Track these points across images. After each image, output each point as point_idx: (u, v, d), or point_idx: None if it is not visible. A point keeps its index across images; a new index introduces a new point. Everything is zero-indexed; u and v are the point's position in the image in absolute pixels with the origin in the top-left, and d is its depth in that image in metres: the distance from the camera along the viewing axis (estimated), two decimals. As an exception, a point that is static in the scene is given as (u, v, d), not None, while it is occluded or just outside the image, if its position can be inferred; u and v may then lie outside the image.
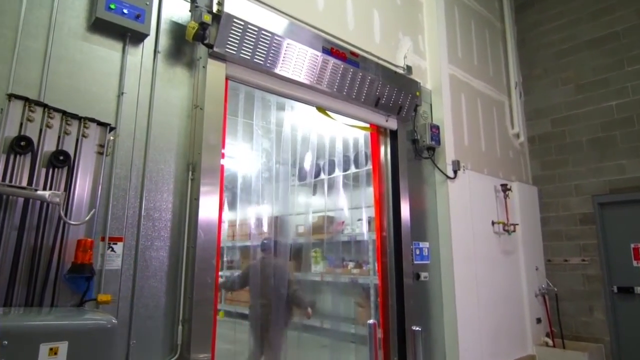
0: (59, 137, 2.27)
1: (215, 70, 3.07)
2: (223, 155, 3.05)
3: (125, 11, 2.63)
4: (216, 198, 2.89)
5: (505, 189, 5.57)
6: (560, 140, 6.39)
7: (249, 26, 3.13)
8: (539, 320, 5.74)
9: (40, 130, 2.21)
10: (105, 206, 2.47)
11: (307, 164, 4.73)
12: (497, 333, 4.98)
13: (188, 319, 2.65)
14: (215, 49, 3.01)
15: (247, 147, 4.22)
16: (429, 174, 4.81)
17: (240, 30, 3.10)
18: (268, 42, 3.26)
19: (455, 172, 4.79)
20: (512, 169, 6.12)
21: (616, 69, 5.95)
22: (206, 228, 2.81)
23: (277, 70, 3.40)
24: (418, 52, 5.06)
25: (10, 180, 2.05)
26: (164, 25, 2.93)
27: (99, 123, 2.44)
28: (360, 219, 5.01)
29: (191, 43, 3.00)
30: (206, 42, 2.97)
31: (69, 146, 2.30)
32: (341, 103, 4.03)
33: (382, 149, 4.58)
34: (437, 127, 4.77)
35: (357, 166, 5.00)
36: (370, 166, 4.68)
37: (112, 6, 2.58)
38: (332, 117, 4.18)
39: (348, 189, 5.16)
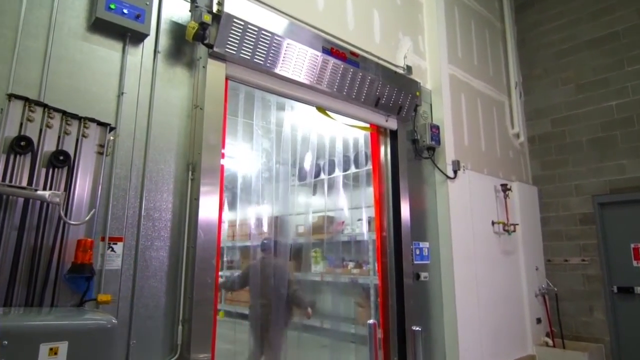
0: (59, 137, 2.27)
1: (215, 70, 3.07)
2: (223, 155, 3.05)
3: (125, 11, 2.63)
4: (216, 198, 2.89)
5: (505, 189, 5.57)
6: (561, 140, 6.39)
7: (249, 26, 3.13)
8: (539, 320, 5.73)
9: (40, 130, 2.21)
10: (106, 206, 2.47)
11: (307, 164, 4.73)
12: (497, 333, 4.98)
13: (188, 319, 2.65)
14: (215, 49, 3.01)
15: (247, 147, 4.22)
16: (429, 174, 4.81)
17: (240, 30, 3.10)
18: (268, 42, 3.26)
19: (455, 172, 4.79)
20: (512, 169, 6.11)
21: (616, 69, 5.95)
22: (206, 228, 2.81)
23: (277, 70, 3.40)
24: (418, 52, 5.06)
25: (10, 180, 2.05)
26: (164, 25, 2.93)
27: (99, 123, 2.44)
28: (360, 219, 5.00)
29: (191, 43, 3.00)
30: (206, 42, 2.97)
31: (69, 146, 2.30)
32: (341, 103, 4.03)
33: (382, 149, 4.58)
34: (437, 127, 4.77)
35: (357, 166, 5.00)
36: (370, 166, 4.67)
37: (112, 6, 2.58)
38: (332, 117, 4.18)
39: (348, 189, 5.16)
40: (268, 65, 3.33)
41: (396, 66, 4.64)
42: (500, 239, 5.42)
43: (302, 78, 3.57)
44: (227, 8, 3.01)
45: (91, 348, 1.71)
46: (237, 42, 3.10)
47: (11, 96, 2.15)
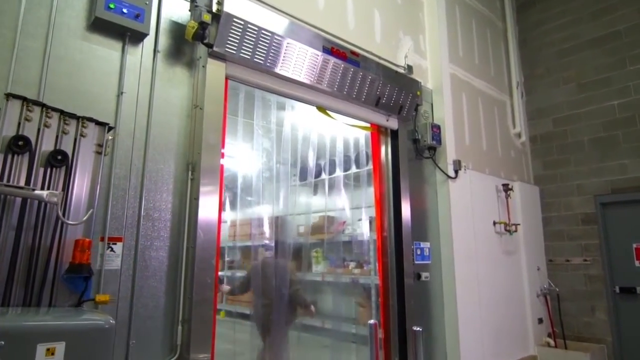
0: (57, 136, 2.26)
1: (215, 70, 3.06)
2: (223, 155, 3.04)
3: (124, 10, 2.62)
4: (216, 198, 2.89)
5: (506, 188, 5.55)
6: (562, 140, 6.37)
7: (249, 26, 3.13)
8: (540, 321, 5.72)
9: (38, 129, 2.20)
10: (105, 206, 2.46)
11: (308, 164, 4.72)
12: (499, 333, 4.97)
13: (188, 319, 2.65)
14: (215, 49, 3.00)
15: (248, 146, 4.21)
16: (430, 174, 4.80)
17: (240, 30, 3.09)
18: (268, 41, 3.26)
19: (456, 171, 4.78)
20: (513, 169, 6.10)
21: (618, 68, 5.93)
22: (206, 228, 2.80)
23: (277, 70, 3.39)
24: (419, 51, 5.05)
25: (8, 180, 2.05)
26: (163, 25, 2.92)
27: (98, 122, 2.43)
28: (361, 219, 4.99)
29: (191, 43, 2.99)
30: (206, 41, 2.96)
31: (67, 146, 2.29)
32: (341, 102, 4.02)
33: (383, 148, 4.57)
34: (438, 127, 4.76)
35: (357, 166, 4.99)
36: (371, 166, 4.66)
37: (112, 6, 2.58)
38: (332, 117, 4.17)
39: (349, 189, 5.15)
40: (268, 64, 3.32)
41: (397, 66, 4.63)
42: (501, 239, 5.40)
43: (303, 77, 3.56)
44: (227, 7, 3.00)
45: (88, 348, 1.70)
46: (237, 41, 3.09)
47: (9, 95, 2.14)
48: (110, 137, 2.49)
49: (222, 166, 3.00)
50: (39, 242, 2.12)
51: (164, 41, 2.91)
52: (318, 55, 3.60)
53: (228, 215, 5.14)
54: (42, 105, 2.24)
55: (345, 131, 4.76)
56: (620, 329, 5.58)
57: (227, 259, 6.13)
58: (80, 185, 2.32)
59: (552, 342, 5.62)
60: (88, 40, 2.57)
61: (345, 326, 4.67)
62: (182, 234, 2.77)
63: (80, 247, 2.16)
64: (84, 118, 2.37)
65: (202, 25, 2.88)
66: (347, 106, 4.07)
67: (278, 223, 4.39)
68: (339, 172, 5.02)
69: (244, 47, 3.14)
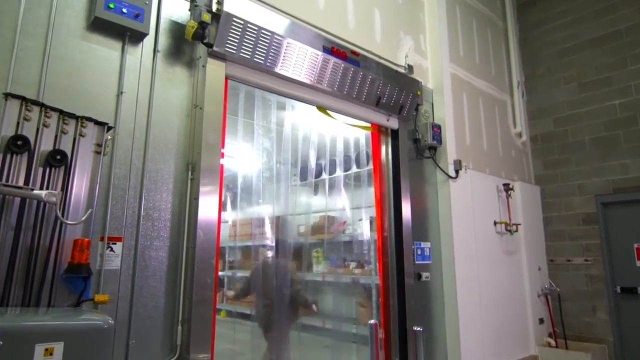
0: (56, 136, 2.26)
1: (214, 70, 3.06)
2: (223, 155, 3.04)
3: (124, 10, 2.62)
4: (216, 198, 2.88)
5: (507, 188, 5.55)
6: (563, 140, 6.36)
7: (249, 25, 3.12)
8: (541, 321, 5.71)
9: (37, 129, 2.20)
10: (104, 206, 2.46)
11: (309, 164, 4.72)
12: (499, 333, 4.96)
13: (187, 319, 2.64)
14: (214, 48, 3.00)
15: (248, 146, 4.21)
16: (431, 174, 4.80)
17: (240, 30, 3.09)
18: (268, 41, 3.25)
19: (456, 171, 4.77)
20: (514, 169, 6.09)
21: (619, 68, 5.92)
22: (206, 228, 2.80)
23: (277, 70, 3.39)
24: (419, 51, 5.04)
25: (7, 180, 2.04)
26: (163, 25, 2.92)
27: (97, 122, 2.43)
28: (361, 219, 4.99)
29: (191, 42, 2.99)
30: (206, 41, 2.96)
31: (66, 145, 2.28)
32: (342, 102, 4.01)
33: (383, 148, 4.57)
34: (439, 127, 4.75)
35: (358, 166, 4.99)
36: (371, 166, 4.66)
37: (111, 5, 2.57)
38: (332, 117, 4.17)
39: (349, 189, 5.14)
40: (268, 64, 3.31)
41: (397, 65, 4.63)
42: (502, 238, 5.39)
43: (303, 77, 3.56)
44: (227, 7, 3.00)
45: (87, 348, 1.70)
46: (237, 41, 3.09)
47: (8, 95, 2.14)
48: (109, 137, 2.49)
49: (222, 166, 3.00)
50: (37, 242, 2.12)
51: (163, 41, 2.90)
52: (318, 55, 3.59)
53: (228, 215, 5.14)
54: (41, 105, 2.24)
55: (345, 131, 4.76)
56: (621, 329, 5.57)
57: (227, 259, 6.12)
58: (79, 185, 2.32)
59: (553, 342, 5.61)
60: (88, 40, 2.56)
61: (345, 326, 4.67)
62: (182, 233, 2.76)
63: (79, 247, 2.16)
64: (83, 118, 2.37)
65: (202, 25, 2.88)
66: (347, 106, 4.06)
67: (278, 223, 4.39)
68: (339, 172, 5.02)
69: (243, 47, 3.13)
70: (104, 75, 2.59)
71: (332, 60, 3.70)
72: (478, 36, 5.89)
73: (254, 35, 3.16)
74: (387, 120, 4.43)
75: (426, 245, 4.53)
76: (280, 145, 4.26)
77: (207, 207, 2.83)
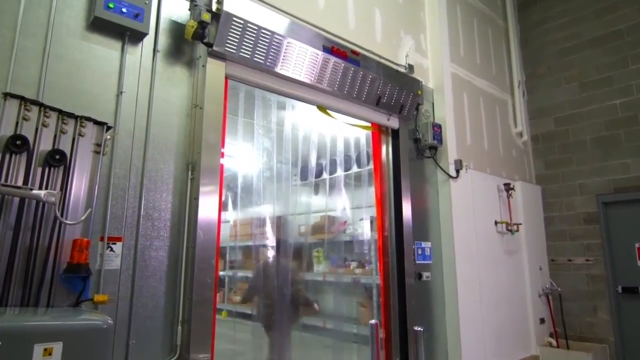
0: (55, 136, 2.26)
1: (214, 69, 3.05)
2: (223, 155, 3.03)
3: (124, 10, 2.62)
4: (216, 198, 2.88)
5: (508, 188, 5.54)
6: (564, 139, 6.35)
7: (249, 25, 3.12)
8: (542, 321, 5.70)
9: (36, 129, 2.20)
10: (104, 206, 2.45)
11: (309, 164, 4.71)
12: (500, 333, 4.95)
13: (187, 319, 2.64)
14: (214, 48, 2.99)
15: (248, 146, 4.20)
16: (431, 174, 4.79)
17: (240, 29, 3.08)
18: (268, 40, 3.25)
19: (457, 171, 4.77)
20: (515, 168, 6.08)
21: (620, 67, 5.91)
22: (206, 228, 2.79)
23: (278, 69, 3.38)
24: (420, 50, 5.03)
25: (6, 180, 2.04)
26: (163, 24, 2.91)
27: (96, 122, 2.42)
28: (362, 219, 4.98)
29: (190, 42, 2.98)
30: (205, 41, 2.95)
31: (65, 145, 2.28)
32: (342, 102, 4.01)
33: (384, 148, 4.56)
34: (439, 126, 4.75)
35: (359, 165, 4.98)
36: (372, 166, 4.65)
37: (111, 5, 2.57)
38: (333, 116, 4.16)
39: (350, 189, 5.13)
40: (268, 64, 3.31)
41: (398, 65, 4.62)
42: (503, 238, 5.39)
43: (303, 77, 3.55)
44: (227, 7, 2.99)
45: (86, 348, 1.70)
46: (237, 41, 3.08)
47: (7, 95, 2.14)
48: (108, 137, 2.49)
49: (222, 166, 3.00)
50: (36, 242, 2.11)
51: (163, 41, 2.90)
52: (318, 55, 3.59)
53: (229, 215, 5.13)
54: (40, 105, 2.24)
55: (346, 131, 4.75)
56: (622, 329, 5.56)
57: (228, 259, 6.12)
58: (79, 185, 2.31)
59: (554, 342, 5.61)
60: (87, 40, 2.56)
61: (346, 326, 4.66)
62: (182, 233, 2.76)
63: (78, 246, 2.15)
64: (82, 117, 2.37)
65: (202, 25, 2.87)
66: (347, 105, 4.06)
67: (279, 223, 4.38)
68: (339, 172, 5.01)
69: (243, 47, 3.13)
70: (104, 75, 2.59)
71: (332, 59, 3.69)
72: (479, 35, 5.89)
73: (254, 35, 3.16)
74: (388, 119, 4.42)
75: (427, 245, 4.52)
76: (281, 145, 4.25)
77: (207, 207, 2.82)
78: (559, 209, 6.28)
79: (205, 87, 2.96)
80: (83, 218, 2.26)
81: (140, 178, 2.64)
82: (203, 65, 3.02)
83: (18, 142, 2.10)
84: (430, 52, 5.14)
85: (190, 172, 2.85)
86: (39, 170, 2.18)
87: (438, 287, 4.53)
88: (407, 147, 4.55)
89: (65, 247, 2.19)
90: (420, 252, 4.41)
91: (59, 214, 2.15)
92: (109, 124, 2.49)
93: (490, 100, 5.83)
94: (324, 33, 3.87)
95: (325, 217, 5.04)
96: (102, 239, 2.42)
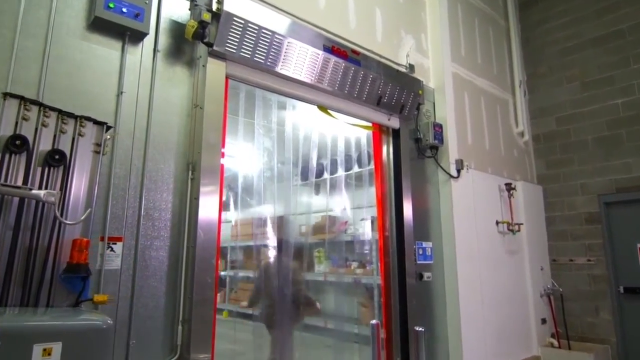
0: (54, 136, 2.25)
1: (215, 69, 3.05)
2: (223, 155, 3.03)
3: (124, 10, 2.61)
4: (216, 197, 2.88)
5: (509, 188, 5.53)
6: (566, 139, 6.34)
7: (249, 25, 3.12)
8: (544, 321, 5.69)
9: (36, 129, 2.20)
10: (105, 206, 2.45)
11: (310, 164, 4.71)
12: (502, 333, 4.94)
13: (188, 319, 2.64)
14: (215, 48, 2.99)
15: (249, 146, 4.20)
16: (432, 173, 4.78)
17: (240, 29, 3.08)
18: (268, 40, 3.24)
19: (458, 171, 4.76)
20: (516, 168, 6.07)
21: (622, 67, 5.89)
22: (206, 228, 2.79)
23: (278, 69, 3.38)
24: (421, 50, 5.03)
25: (5, 180, 2.04)
26: (163, 24, 2.91)
27: (96, 122, 2.42)
28: (363, 219, 4.97)
29: (191, 42, 2.98)
30: (206, 40, 2.95)
31: (64, 145, 2.28)
32: (343, 102, 4.00)
33: (385, 148, 4.56)
34: (440, 126, 4.74)
35: (359, 165, 4.97)
36: (372, 165, 4.65)
37: (111, 5, 2.57)
38: (333, 116, 4.16)
39: (351, 189, 5.13)
40: (269, 64, 3.31)
41: (398, 64, 4.61)
42: (504, 238, 5.38)
43: (303, 77, 3.55)
44: (227, 6, 2.99)
45: (86, 349, 1.69)
46: (237, 40, 3.08)
47: (6, 95, 2.14)
48: (108, 137, 2.49)
49: (222, 166, 3.00)
50: (36, 242, 2.11)
51: (163, 40, 2.90)
52: (319, 54, 3.59)
53: (230, 215, 5.13)
54: (40, 105, 2.24)
55: (346, 130, 4.75)
56: (624, 329, 5.55)
57: (229, 258, 6.12)
58: (78, 185, 2.31)
59: (555, 343, 5.59)
60: (88, 40, 2.56)
61: (347, 326, 4.66)
62: (182, 233, 2.76)
63: (78, 246, 2.15)
64: (82, 117, 2.37)
65: (202, 24, 2.87)
66: (348, 105, 4.05)
67: (280, 223, 4.38)
68: (340, 172, 5.00)
69: (244, 46, 3.13)
70: (104, 75, 2.59)
71: (333, 59, 3.69)
72: (480, 35, 5.88)
73: (255, 35, 3.16)
74: (389, 119, 4.42)
75: (428, 245, 4.52)
76: (281, 145, 4.25)
77: (208, 207, 2.82)
78: (560, 209, 6.27)
79: (205, 87, 2.96)
80: (83, 218, 2.26)
81: (141, 178, 2.64)
82: (203, 65, 3.01)
83: (18, 142, 2.09)
84: (431, 52, 5.13)
85: (190, 172, 2.84)
86: (39, 170, 2.18)
87: (439, 287, 4.52)
88: (408, 147, 4.55)
89: (65, 247, 2.19)
90: (421, 252, 4.41)
91: (58, 214, 2.15)
92: (108, 124, 2.49)
93: (491, 100, 5.82)
94: (324, 33, 3.87)
95: (326, 217, 5.04)
96: (102, 239, 2.42)
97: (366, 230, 4.84)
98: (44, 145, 2.22)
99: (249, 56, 3.17)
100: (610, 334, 5.61)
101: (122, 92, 2.63)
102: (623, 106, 5.83)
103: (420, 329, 3.81)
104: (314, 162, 4.62)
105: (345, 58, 3.79)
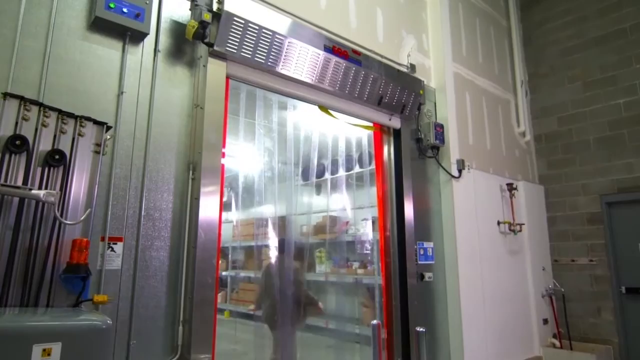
0: (54, 136, 2.25)
1: (215, 69, 3.05)
2: (224, 155, 3.03)
3: (124, 10, 2.62)
4: (217, 198, 2.88)
5: (511, 188, 5.52)
6: (567, 139, 6.32)
7: (250, 25, 3.11)
8: (545, 321, 5.67)
9: (36, 129, 2.20)
10: (105, 206, 2.46)
11: (311, 164, 4.71)
12: (503, 334, 4.93)
13: (188, 319, 2.64)
14: (215, 48, 2.99)
15: (250, 146, 4.20)
16: (433, 173, 4.77)
17: (241, 29, 3.08)
18: (269, 40, 3.24)
19: (459, 171, 4.75)
20: (518, 168, 6.06)
21: (624, 67, 5.88)
22: (207, 228, 2.79)
23: (279, 69, 3.38)
24: (422, 50, 5.02)
25: (5, 180, 2.04)
26: (164, 24, 2.91)
27: (96, 122, 2.42)
28: (365, 219, 4.97)
29: (191, 42, 2.99)
30: (206, 40, 2.96)
31: (64, 145, 2.28)
32: (343, 102, 4.00)
33: (386, 148, 4.55)
34: (442, 126, 4.73)
35: (360, 166, 4.97)
36: (374, 166, 4.64)
37: (112, 5, 2.57)
38: (334, 116, 4.15)
39: (352, 189, 5.13)
40: (269, 64, 3.30)
41: (399, 64, 4.61)
42: (506, 238, 5.37)
43: (304, 77, 3.54)
44: (227, 6, 2.99)
45: (85, 349, 1.69)
46: (238, 40, 3.08)
47: (6, 95, 2.14)
48: (108, 137, 2.49)
49: (223, 166, 2.99)
50: (36, 242, 2.11)
51: (164, 40, 2.90)
52: (319, 54, 3.58)
53: (232, 215, 5.13)
54: (40, 105, 2.24)
55: (347, 131, 4.75)
56: (626, 329, 5.53)
57: (231, 258, 6.13)
58: (78, 185, 2.31)
59: (557, 343, 5.58)
60: (88, 40, 2.56)
61: (348, 326, 4.66)
62: (182, 234, 2.76)
63: (77, 247, 2.15)
64: (81, 117, 2.37)
65: (203, 25, 2.87)
66: (349, 105, 4.05)
67: (282, 223, 4.38)
68: (341, 172, 5.00)
69: (244, 46, 3.12)
70: (105, 75, 2.59)
71: (334, 59, 3.68)
72: (481, 35, 5.87)
73: (255, 35, 3.16)
74: (390, 119, 4.41)
75: (429, 245, 4.51)
76: (282, 145, 4.25)
77: (208, 207, 2.82)
78: (562, 209, 6.26)
79: (206, 87, 2.97)
80: (82, 218, 2.26)
81: (141, 178, 2.64)
82: (204, 65, 3.01)
83: (17, 142, 2.09)
84: (432, 52, 5.12)
85: (191, 172, 2.85)
86: (39, 170, 2.18)
87: (440, 288, 4.52)
88: (409, 147, 4.54)
89: (64, 247, 2.19)
90: (422, 252, 4.40)
91: (58, 214, 2.14)
92: (108, 124, 2.49)
93: (492, 100, 5.81)
94: (325, 33, 3.87)
95: (327, 218, 5.04)
96: (103, 239, 2.42)
97: (367, 231, 4.83)
98: (44, 145, 2.22)
99: (249, 56, 3.17)
100: (612, 334, 5.59)
101: (122, 92, 2.63)
102: (625, 106, 5.81)
103: (422, 329, 3.80)
104: (314, 162, 4.62)
105: (346, 58, 3.78)
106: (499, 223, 5.28)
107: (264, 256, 4.44)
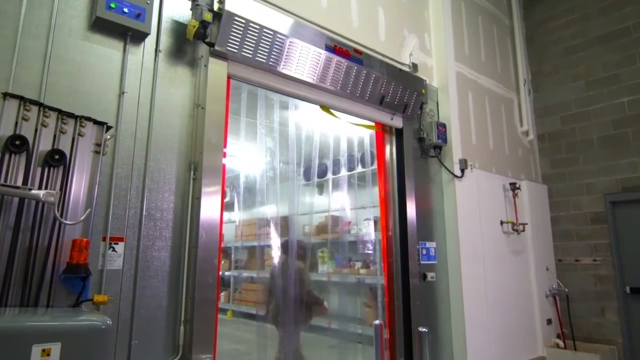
0: (54, 136, 2.25)
1: (216, 69, 3.05)
2: (225, 155, 3.03)
3: (125, 10, 2.62)
4: (218, 197, 2.87)
5: (514, 187, 5.49)
6: (571, 138, 6.29)
7: (251, 24, 3.11)
8: (549, 322, 5.65)
9: (36, 129, 2.20)
10: (107, 206, 2.46)
11: (313, 164, 4.71)
12: (507, 334, 4.91)
13: (190, 319, 2.64)
14: (216, 48, 2.99)
15: (251, 146, 4.20)
16: (436, 173, 4.76)
17: (242, 29, 3.07)
18: (270, 40, 3.23)
19: (462, 170, 4.73)
20: (521, 168, 6.03)
21: (627, 65, 5.85)
22: (208, 228, 2.79)
23: (280, 69, 3.37)
24: (424, 49, 5.01)
25: (5, 180, 2.04)
26: (165, 24, 2.91)
27: (96, 122, 2.42)
28: (367, 219, 4.97)
29: (192, 42, 2.99)
30: (207, 40, 2.96)
31: (64, 145, 2.28)
32: (345, 101, 3.99)
33: (388, 147, 4.54)
34: (444, 125, 4.72)
35: (363, 165, 4.96)
36: (376, 165, 4.63)
37: (113, 5, 2.57)
38: (336, 116, 4.14)
39: (354, 189, 5.12)
40: (270, 63, 3.30)
41: (401, 64, 4.59)
42: (509, 238, 5.34)
43: (305, 76, 3.54)
44: (228, 6, 2.99)
45: (85, 349, 1.69)
46: (239, 40, 3.07)
47: (6, 95, 2.14)
48: (108, 137, 2.49)
49: (224, 166, 2.99)
50: (36, 242, 2.11)
51: (165, 40, 2.90)
52: (321, 54, 3.57)
53: (234, 215, 5.14)
54: (40, 105, 2.24)
55: (349, 130, 4.74)
56: (630, 330, 5.50)
57: (233, 258, 6.13)
58: (78, 185, 2.31)
59: (561, 344, 5.56)
60: (89, 40, 2.56)
61: (351, 326, 4.65)
62: (184, 234, 2.76)
63: (77, 247, 2.15)
64: (81, 117, 2.36)
65: (204, 24, 2.87)
66: (350, 105, 4.04)
67: (284, 223, 4.38)
68: (343, 172, 5.00)
69: (245, 46, 3.12)
70: (106, 76, 2.59)
71: (335, 58, 3.67)
72: (484, 34, 5.85)
73: (256, 34, 3.15)
74: (392, 119, 4.40)
75: (431, 245, 4.50)
76: (284, 145, 4.25)
77: (210, 207, 2.82)
78: (565, 209, 6.23)
79: (207, 87, 2.96)
80: (82, 218, 2.26)
81: (142, 178, 2.64)
82: (205, 65, 3.01)
83: (17, 142, 2.09)
84: (434, 51, 5.11)
85: (192, 172, 2.85)
86: (39, 170, 2.18)
87: (443, 288, 4.50)
88: (412, 147, 4.53)
89: (64, 247, 2.19)
90: (424, 252, 4.38)
91: (58, 214, 2.14)
92: (108, 124, 2.48)
93: (495, 99, 5.79)
94: (326, 32, 3.86)
95: (329, 217, 5.04)
96: (104, 239, 2.42)
97: (369, 230, 4.83)
98: (44, 145, 2.22)
99: (250, 56, 3.17)
100: (616, 334, 5.56)
101: (123, 93, 2.63)
102: (629, 105, 5.78)
103: (424, 329, 3.80)
104: (316, 162, 4.62)
105: (348, 57, 3.77)
106: (502, 223, 5.26)
107: (267, 256, 4.44)
